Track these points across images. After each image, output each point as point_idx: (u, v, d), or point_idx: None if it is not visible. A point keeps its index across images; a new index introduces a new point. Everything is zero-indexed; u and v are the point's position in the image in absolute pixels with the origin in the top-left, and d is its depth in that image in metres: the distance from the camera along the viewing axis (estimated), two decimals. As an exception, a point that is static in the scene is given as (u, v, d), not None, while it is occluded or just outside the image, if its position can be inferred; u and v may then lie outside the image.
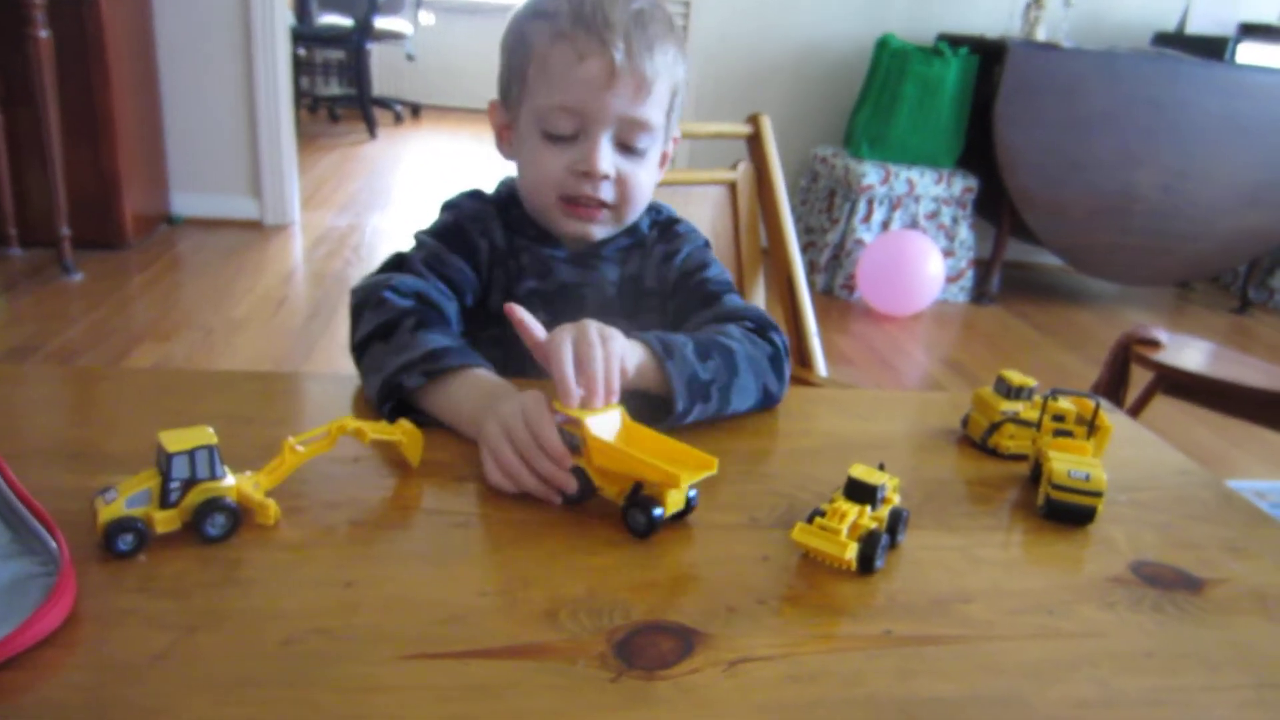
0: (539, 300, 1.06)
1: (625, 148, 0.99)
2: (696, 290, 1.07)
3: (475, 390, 0.84)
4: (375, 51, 6.80)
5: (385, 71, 7.24)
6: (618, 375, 0.77)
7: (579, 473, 0.72)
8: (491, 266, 1.06)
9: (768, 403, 0.95)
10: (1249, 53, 3.97)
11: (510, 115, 1.04)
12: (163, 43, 3.77)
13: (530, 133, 1.00)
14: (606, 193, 1.00)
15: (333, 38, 6.56)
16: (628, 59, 0.94)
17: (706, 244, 1.13)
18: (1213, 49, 4.00)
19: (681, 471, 0.68)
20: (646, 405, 0.84)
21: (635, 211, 1.05)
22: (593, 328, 0.78)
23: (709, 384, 0.87)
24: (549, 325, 1.02)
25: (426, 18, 7.30)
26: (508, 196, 1.09)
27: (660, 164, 1.07)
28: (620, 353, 0.78)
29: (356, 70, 6.48)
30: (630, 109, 0.96)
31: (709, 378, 0.87)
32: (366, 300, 0.93)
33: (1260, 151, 3.99)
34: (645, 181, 1.03)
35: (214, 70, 3.85)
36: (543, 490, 0.73)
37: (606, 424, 0.74)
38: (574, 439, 0.72)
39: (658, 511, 0.69)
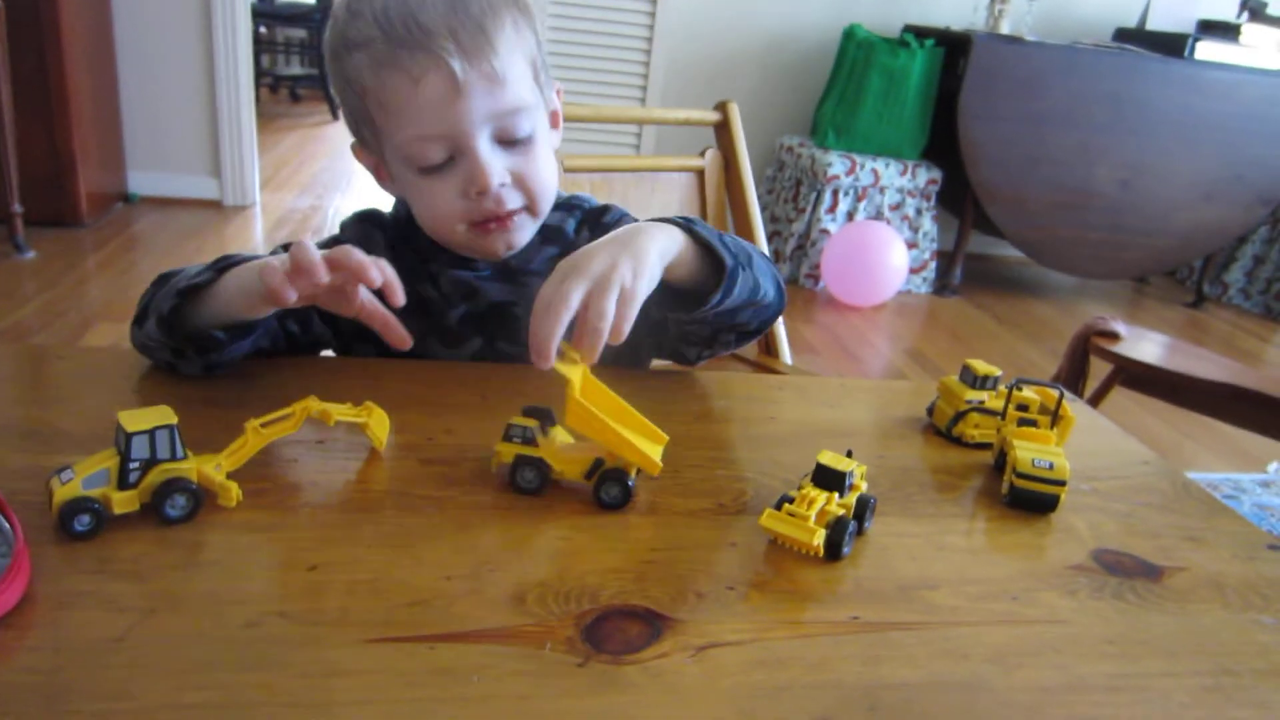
0: (472, 324, 1.00)
1: (509, 143, 0.90)
2: None
3: (254, 264, 0.81)
4: (338, 31, 6.70)
5: (348, 52, 7.13)
6: (626, 325, 0.71)
7: (536, 463, 0.71)
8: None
9: (780, 303, 0.94)
10: (1207, 50, 4.03)
11: (375, 155, 0.95)
12: (120, 17, 3.69)
13: (405, 171, 0.91)
14: (511, 200, 0.91)
15: (294, 16, 6.47)
16: (465, 59, 0.83)
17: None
18: (1172, 45, 4.05)
19: (650, 449, 0.70)
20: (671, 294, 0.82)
21: (549, 199, 0.95)
22: (618, 277, 0.71)
23: (736, 254, 0.84)
24: (483, 351, 1.00)
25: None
26: (411, 218, 0.99)
27: (553, 125, 0.98)
28: (638, 292, 0.73)
29: (319, 50, 6.40)
30: (493, 106, 0.86)
31: (735, 249, 0.84)
32: (154, 280, 0.88)
33: (1216, 148, 4.06)
34: (544, 168, 0.93)
35: (173, 47, 3.78)
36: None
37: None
38: (528, 431, 0.71)
39: (630, 482, 0.70)
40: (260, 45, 6.44)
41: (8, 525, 0.57)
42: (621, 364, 1.05)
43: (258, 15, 5.69)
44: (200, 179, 4.00)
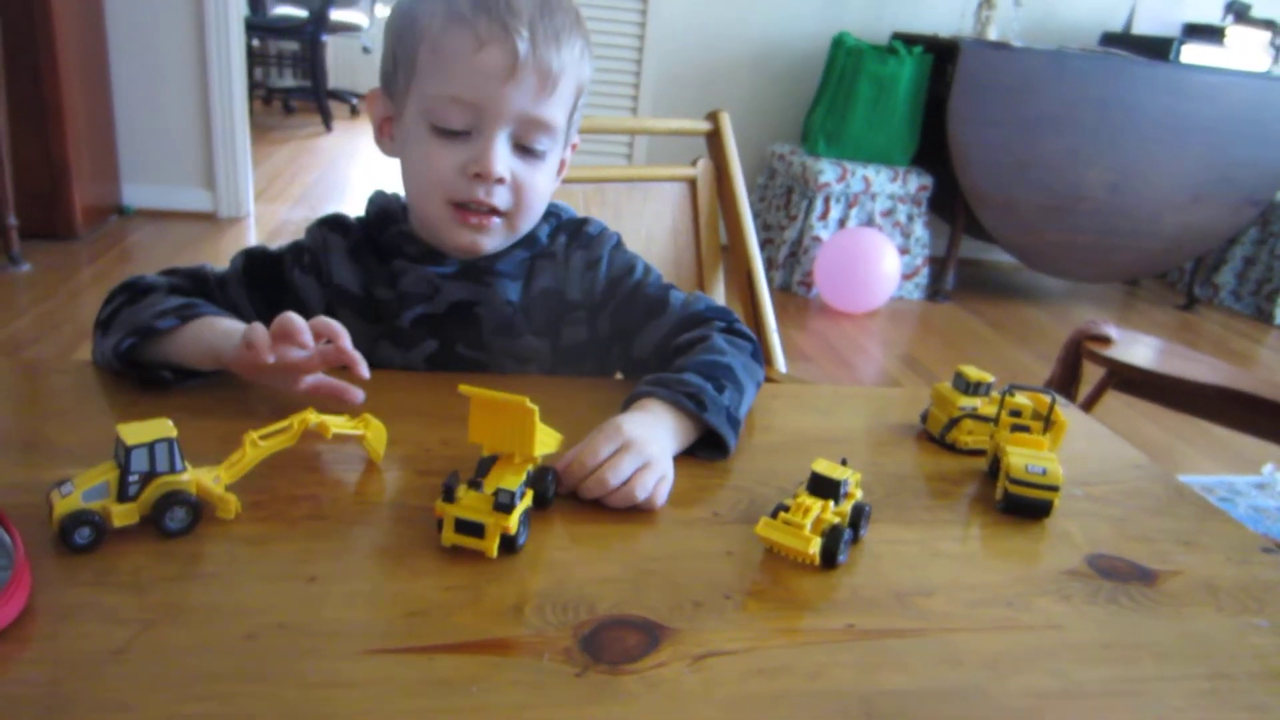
0: (428, 326, 0.98)
1: (523, 149, 0.92)
2: (634, 299, 1.01)
3: (219, 326, 0.85)
4: (330, 44, 6.72)
5: (341, 64, 7.15)
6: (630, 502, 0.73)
7: (525, 519, 0.67)
8: (331, 308, 0.99)
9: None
10: (1193, 53, 4.05)
11: (395, 106, 0.95)
12: (114, 30, 3.69)
13: (417, 126, 0.91)
14: (500, 199, 0.92)
15: (287, 29, 6.47)
16: (532, 49, 0.87)
17: (618, 239, 1.06)
18: (1158, 49, 4.07)
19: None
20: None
21: (529, 221, 0.97)
22: (649, 457, 0.75)
23: (735, 413, 0.85)
24: (440, 354, 1.00)
25: (382, 10, 7.22)
26: (380, 216, 1.01)
27: (558, 171, 1.00)
28: (661, 477, 0.75)
29: (312, 62, 6.40)
30: (531, 106, 0.89)
31: (729, 404, 0.84)
32: (123, 285, 0.93)
33: (1204, 150, 4.07)
34: (543, 188, 0.95)
35: (167, 60, 3.78)
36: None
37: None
38: (510, 495, 0.66)
39: (550, 473, 0.72)
40: (254, 58, 6.44)
41: (8, 538, 0.57)
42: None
43: (251, 28, 5.69)
44: (194, 191, 4.00)
